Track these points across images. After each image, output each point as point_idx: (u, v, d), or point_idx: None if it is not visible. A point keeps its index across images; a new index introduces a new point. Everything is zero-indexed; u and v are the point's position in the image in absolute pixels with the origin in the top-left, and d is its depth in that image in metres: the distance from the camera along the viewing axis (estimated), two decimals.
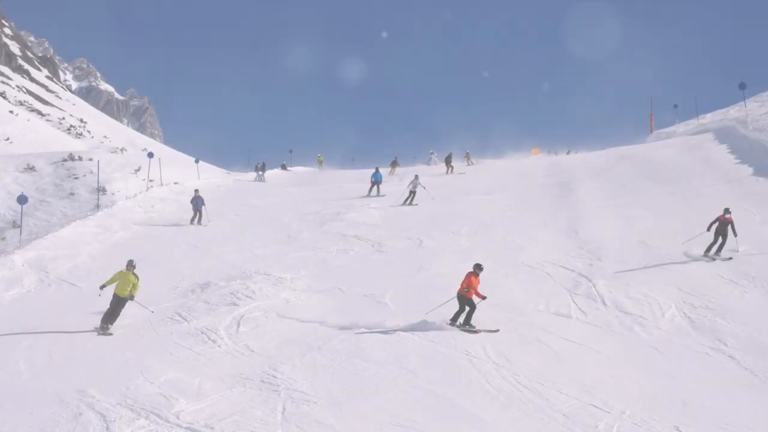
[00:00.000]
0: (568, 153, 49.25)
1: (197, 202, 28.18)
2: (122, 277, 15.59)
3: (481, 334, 14.21)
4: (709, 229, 18.57)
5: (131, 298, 15.58)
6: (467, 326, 14.56)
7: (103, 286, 15.71)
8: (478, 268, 15.10)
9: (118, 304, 15.42)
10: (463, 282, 14.91)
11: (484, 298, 14.77)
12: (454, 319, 14.72)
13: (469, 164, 44.10)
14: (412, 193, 29.62)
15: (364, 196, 31.85)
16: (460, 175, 37.57)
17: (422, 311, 15.00)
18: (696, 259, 18.38)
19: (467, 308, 14.72)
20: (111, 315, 15.34)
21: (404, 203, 29.18)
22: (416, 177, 30.42)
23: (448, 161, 42.17)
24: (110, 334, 15.04)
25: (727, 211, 18.61)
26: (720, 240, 18.37)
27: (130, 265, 15.81)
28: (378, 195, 32.07)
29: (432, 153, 51.21)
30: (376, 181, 33.24)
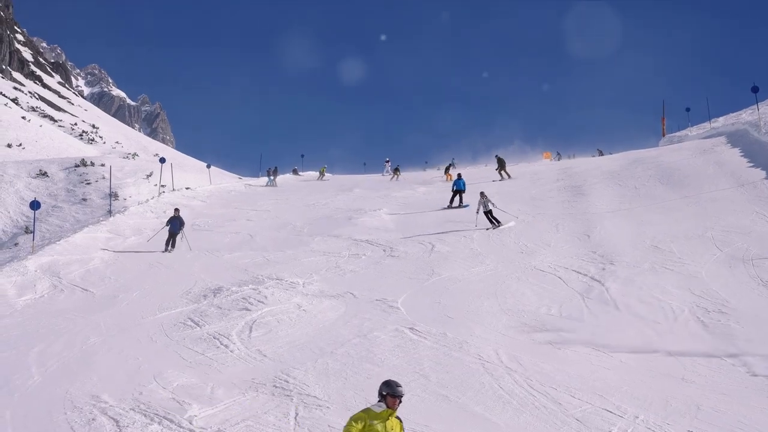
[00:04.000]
0: (601, 154, 49.20)
1: (174, 224, 24.87)
2: None
3: (493, 338, 14.16)
4: None
5: None
6: None
7: None
8: None
9: None
10: None
11: None
12: None
13: (393, 178, 43.43)
14: (489, 215, 24.03)
15: (444, 208, 29.17)
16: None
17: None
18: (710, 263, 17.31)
19: None
20: None
21: (491, 227, 23.83)
22: (482, 195, 24.34)
23: (446, 170, 43.00)
24: None
25: None
26: None
27: None
28: (461, 206, 27.95)
29: (387, 161, 50.80)
30: (459, 189, 28.72)
